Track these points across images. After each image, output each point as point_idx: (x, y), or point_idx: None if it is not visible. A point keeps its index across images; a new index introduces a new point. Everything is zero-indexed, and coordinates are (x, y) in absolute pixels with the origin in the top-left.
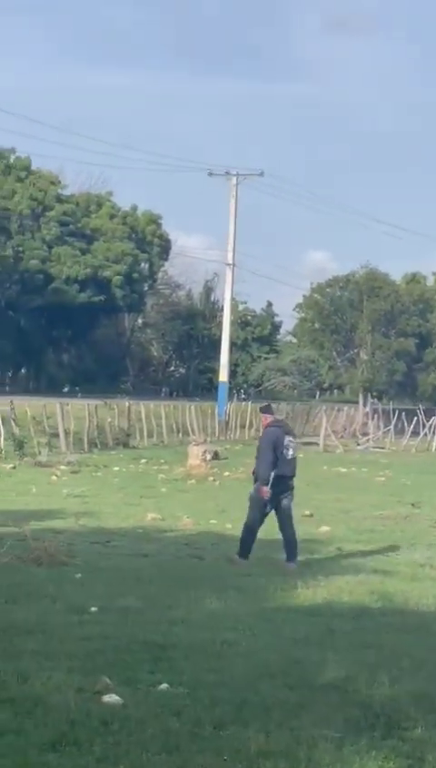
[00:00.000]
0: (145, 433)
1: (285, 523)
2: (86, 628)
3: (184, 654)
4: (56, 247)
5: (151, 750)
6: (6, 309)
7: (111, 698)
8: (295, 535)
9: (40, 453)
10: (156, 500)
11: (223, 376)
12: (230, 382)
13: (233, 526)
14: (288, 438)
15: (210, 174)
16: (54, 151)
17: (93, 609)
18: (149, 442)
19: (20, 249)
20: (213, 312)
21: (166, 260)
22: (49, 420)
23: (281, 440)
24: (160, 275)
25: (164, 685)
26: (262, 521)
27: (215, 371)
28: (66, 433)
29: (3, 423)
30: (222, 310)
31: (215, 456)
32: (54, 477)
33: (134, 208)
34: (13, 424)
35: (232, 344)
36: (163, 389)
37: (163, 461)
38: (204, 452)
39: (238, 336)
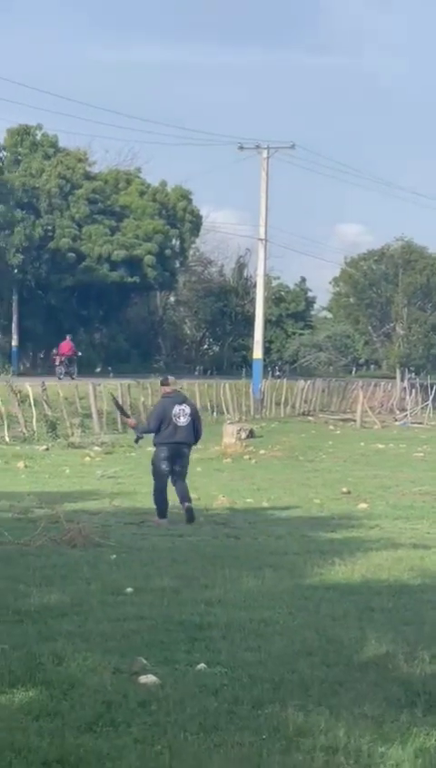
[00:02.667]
0: None
1: (179, 483)
2: (122, 609)
3: (221, 633)
4: (86, 225)
5: (189, 730)
6: (36, 288)
7: (148, 679)
8: (186, 485)
9: (73, 434)
10: (191, 479)
11: (258, 353)
12: (264, 359)
13: (270, 505)
14: (179, 408)
15: (240, 148)
16: (82, 127)
17: (128, 590)
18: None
19: (49, 228)
20: (246, 289)
21: (198, 236)
22: (81, 401)
23: (168, 411)
24: (191, 252)
25: (202, 665)
26: (164, 480)
27: (249, 348)
28: (99, 414)
29: (35, 405)
30: (256, 286)
31: (250, 434)
32: (87, 458)
33: (164, 184)
34: (45, 405)
35: (266, 320)
36: (197, 368)
37: None
38: (239, 430)
39: (272, 312)
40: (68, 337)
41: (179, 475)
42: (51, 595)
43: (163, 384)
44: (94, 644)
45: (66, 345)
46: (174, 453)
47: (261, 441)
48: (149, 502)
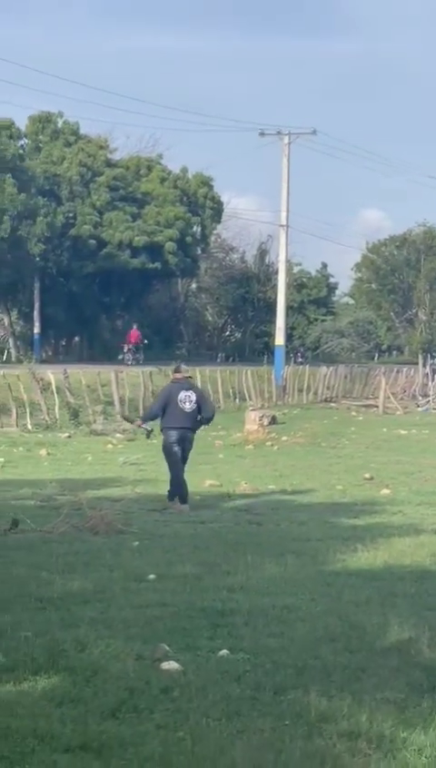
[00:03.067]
0: None
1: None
2: (144, 596)
3: (244, 619)
4: (107, 212)
5: (211, 716)
6: (58, 275)
7: (170, 665)
8: (182, 478)
9: (95, 421)
10: (213, 466)
11: (280, 339)
12: (286, 346)
13: (293, 491)
14: (185, 393)
15: (261, 134)
16: (103, 114)
17: (151, 577)
18: None
19: (71, 215)
20: (268, 275)
21: (219, 222)
22: (104, 388)
23: (174, 395)
24: (213, 238)
25: (224, 651)
26: (180, 465)
27: (271, 335)
28: (121, 401)
29: (57, 392)
30: (277, 272)
31: (273, 420)
32: (109, 446)
33: (185, 170)
34: (67, 393)
35: (288, 307)
36: (219, 354)
37: (219, 427)
38: (262, 417)
39: (294, 298)
40: (135, 325)
41: (182, 461)
42: (73, 582)
43: (175, 371)
44: (117, 631)
45: (134, 333)
46: (181, 437)
47: (283, 428)
48: None
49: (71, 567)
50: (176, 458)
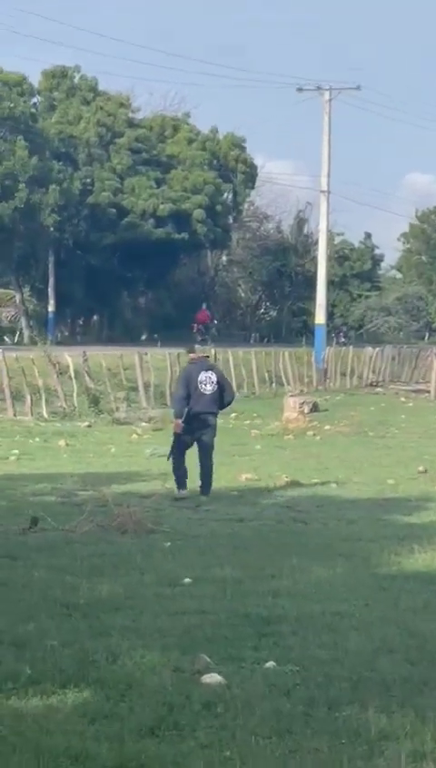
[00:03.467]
0: (235, 384)
1: (203, 456)
2: (180, 602)
3: (291, 628)
4: (129, 178)
5: (260, 734)
6: (75, 248)
7: (212, 678)
8: (212, 467)
9: (118, 409)
10: (250, 458)
11: (320, 317)
12: (327, 325)
13: (339, 486)
14: (205, 375)
15: (299, 90)
16: (124, 69)
17: (186, 581)
18: (239, 394)
19: (88, 181)
20: (307, 246)
21: (252, 188)
22: (126, 372)
23: (194, 377)
24: (246, 206)
25: (271, 663)
26: (184, 451)
27: (310, 313)
28: (146, 386)
29: (76, 377)
30: (317, 243)
31: (314, 408)
32: (134, 436)
33: (215, 131)
34: (87, 377)
35: (329, 282)
36: (253, 335)
37: (255, 415)
38: (302, 404)
39: (335, 272)
40: (203, 305)
41: (205, 446)
42: (101, 586)
43: (188, 353)
44: (152, 641)
45: (203, 314)
46: (199, 423)
47: (325, 415)
48: None
49: (98, 570)
50: (183, 444)
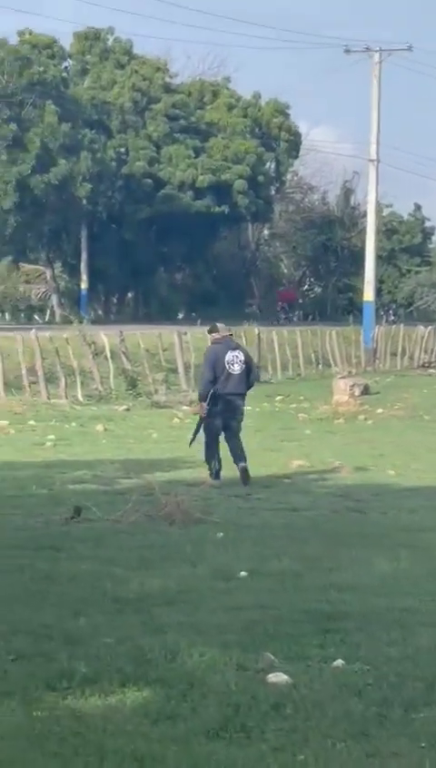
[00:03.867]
0: (279, 365)
1: (232, 438)
2: (237, 596)
3: (358, 624)
4: (166, 146)
5: (334, 736)
6: (109, 221)
7: (278, 677)
8: (241, 443)
9: (157, 392)
10: (300, 444)
11: (369, 294)
12: (375, 302)
13: (397, 473)
14: (233, 354)
15: (347, 52)
16: (160, 30)
17: (242, 574)
18: (284, 375)
19: (123, 150)
20: (354, 219)
21: (296, 158)
22: (165, 353)
23: (221, 357)
24: (289, 176)
25: (339, 661)
26: (216, 439)
27: (357, 289)
28: (186, 367)
29: (112, 358)
30: (365, 215)
31: (365, 390)
32: (175, 420)
33: (257, 96)
34: (124, 358)
35: (377, 256)
36: (296, 312)
37: (302, 398)
38: (353, 386)
39: (383, 246)
40: (285, 283)
41: (233, 430)
42: (152, 579)
43: (210, 332)
44: (210, 638)
45: (289, 292)
46: (227, 406)
47: (377, 398)
48: (253, 470)
49: (147, 563)
50: (214, 429)
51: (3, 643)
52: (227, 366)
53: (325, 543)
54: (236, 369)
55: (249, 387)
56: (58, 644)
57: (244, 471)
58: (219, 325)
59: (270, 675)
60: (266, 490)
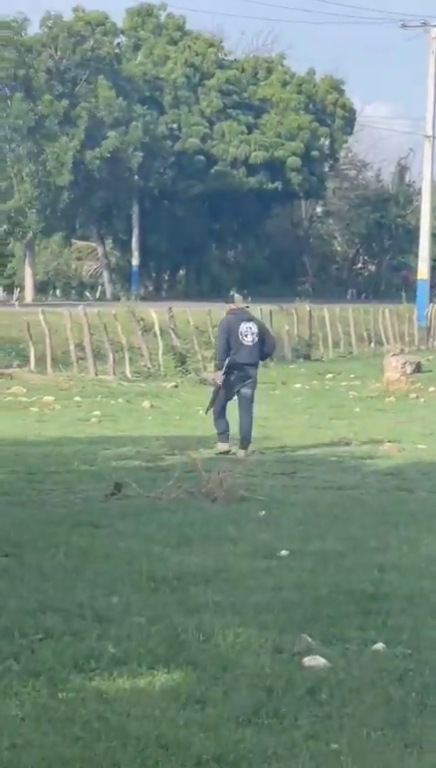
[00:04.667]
0: (330, 343)
1: (243, 409)
2: (277, 576)
3: (401, 606)
4: (219, 122)
5: (371, 725)
6: (161, 198)
7: (315, 661)
8: (252, 422)
9: (205, 368)
10: (349, 422)
11: (423, 272)
12: (430, 280)
13: None
14: (246, 325)
15: (403, 26)
16: (213, 5)
17: (283, 553)
18: (335, 353)
19: (175, 126)
20: (409, 196)
21: (350, 134)
22: (214, 330)
23: (234, 328)
24: (343, 153)
25: (380, 645)
26: (225, 407)
27: (411, 267)
28: None
29: (161, 334)
30: (420, 192)
31: (417, 368)
32: None
33: (312, 72)
34: (173, 335)
35: (433, 234)
36: (350, 290)
37: (352, 375)
38: (405, 364)
39: None
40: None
41: (246, 399)
42: (191, 557)
43: (227, 302)
44: (247, 618)
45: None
46: (240, 374)
47: (429, 377)
48: (300, 448)
49: (187, 540)
50: (222, 400)
51: (33, 621)
52: (240, 336)
53: (370, 522)
54: (248, 340)
55: (264, 357)
56: (89, 622)
57: (243, 450)
58: (236, 296)
59: (306, 659)
60: (312, 468)
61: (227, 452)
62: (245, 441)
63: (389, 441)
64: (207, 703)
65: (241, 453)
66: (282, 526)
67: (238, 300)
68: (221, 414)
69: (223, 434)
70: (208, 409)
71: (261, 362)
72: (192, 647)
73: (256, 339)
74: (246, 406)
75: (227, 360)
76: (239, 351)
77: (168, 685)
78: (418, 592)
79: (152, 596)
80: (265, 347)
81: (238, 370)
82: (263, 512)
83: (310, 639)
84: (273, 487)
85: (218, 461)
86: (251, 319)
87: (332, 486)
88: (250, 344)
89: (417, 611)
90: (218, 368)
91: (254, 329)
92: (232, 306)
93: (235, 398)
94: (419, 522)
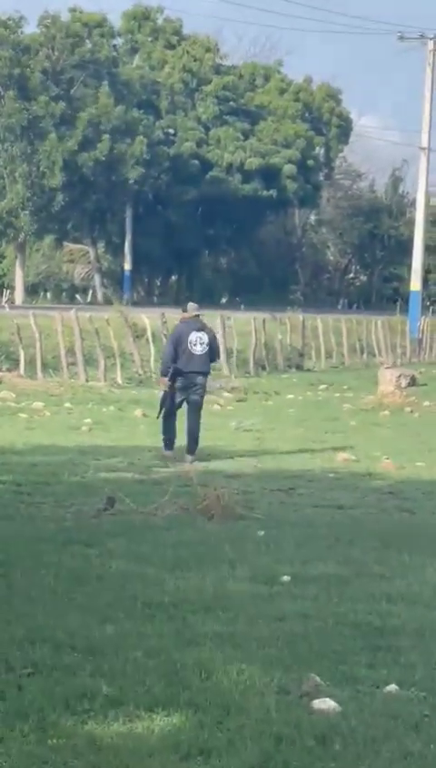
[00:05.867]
0: (323, 353)
1: (191, 415)
2: (279, 604)
3: (412, 641)
4: (214, 128)
5: None
6: (155, 203)
7: (325, 704)
8: (199, 428)
9: None
10: (345, 436)
11: (416, 284)
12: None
13: None
14: (196, 335)
15: (401, 38)
16: (211, 10)
17: (284, 578)
18: (327, 364)
19: (171, 130)
20: (402, 208)
21: (346, 143)
22: None
23: (183, 337)
24: (338, 162)
25: (393, 686)
26: (173, 413)
27: (403, 279)
28: (229, 353)
29: (153, 340)
30: (413, 204)
31: (412, 381)
32: (216, 406)
33: (309, 81)
34: (165, 341)
35: (425, 246)
36: (341, 300)
37: (345, 387)
38: (399, 377)
39: (430, 236)
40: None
41: (194, 405)
42: (188, 581)
43: (183, 311)
44: (250, 653)
45: None
46: (188, 382)
47: (424, 391)
48: (298, 463)
49: (183, 563)
50: (172, 405)
51: (19, 653)
52: (190, 345)
53: (373, 546)
54: (198, 349)
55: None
56: (80, 655)
57: (189, 455)
58: (190, 305)
59: (315, 701)
60: (310, 485)
61: (172, 458)
62: (192, 446)
63: (386, 458)
64: (211, 752)
65: (187, 458)
66: (281, 548)
67: (191, 309)
68: (171, 422)
69: (170, 442)
70: (159, 414)
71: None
72: (192, 686)
73: (206, 348)
74: (194, 412)
75: (172, 368)
76: (190, 360)
77: (167, 731)
78: (428, 625)
79: (147, 625)
80: (212, 355)
81: (186, 378)
82: (262, 532)
83: (318, 679)
84: (271, 505)
85: (214, 475)
86: (202, 328)
87: (332, 504)
88: (199, 353)
89: (429, 647)
90: (162, 373)
91: (205, 338)
92: (185, 315)
93: (185, 405)
94: (423, 547)
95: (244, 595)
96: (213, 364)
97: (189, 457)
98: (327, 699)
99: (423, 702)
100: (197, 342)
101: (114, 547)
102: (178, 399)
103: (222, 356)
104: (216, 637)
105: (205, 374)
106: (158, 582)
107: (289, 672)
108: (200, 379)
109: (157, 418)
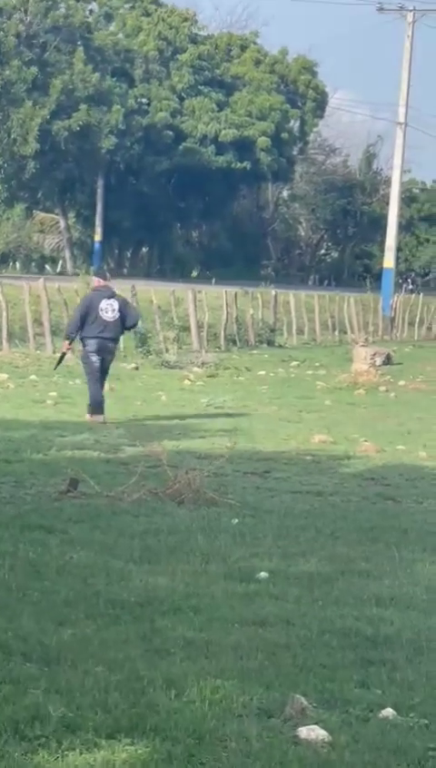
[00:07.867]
0: (294, 329)
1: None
2: (257, 605)
3: (405, 653)
4: (189, 98)
5: None
6: (126, 173)
7: (313, 733)
8: (101, 390)
9: (167, 351)
10: (321, 416)
11: (389, 261)
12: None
13: (429, 455)
14: (107, 302)
15: (380, 10)
16: None
17: (262, 575)
18: (299, 340)
19: (144, 100)
20: (375, 184)
21: (321, 117)
22: (178, 310)
23: (94, 304)
24: (312, 137)
25: (389, 711)
26: (99, 378)
27: (374, 256)
28: (199, 327)
29: None
30: (386, 181)
31: (387, 360)
32: (186, 382)
33: (284, 52)
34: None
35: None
36: (312, 276)
37: (318, 364)
38: (374, 355)
39: (401, 214)
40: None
41: (104, 368)
42: (156, 577)
43: (96, 275)
44: (225, 666)
45: None
46: (100, 347)
47: (399, 369)
48: (272, 444)
49: (152, 554)
50: (95, 368)
51: None
52: (100, 312)
53: (357, 538)
54: (109, 315)
55: (127, 329)
56: (34, 666)
57: (88, 417)
58: (106, 274)
59: (302, 729)
60: (286, 468)
61: (104, 423)
62: (92, 407)
63: (365, 440)
64: None
65: (86, 417)
66: (258, 540)
67: (106, 278)
68: (97, 388)
69: (100, 406)
70: (55, 367)
71: (128, 332)
72: (160, 708)
73: (117, 315)
74: (104, 372)
75: (79, 334)
76: (99, 326)
77: (132, 762)
78: (424, 635)
79: (111, 629)
80: (128, 321)
81: (96, 343)
82: (236, 520)
83: (304, 701)
84: (246, 489)
85: (185, 456)
86: (112, 295)
87: (310, 490)
88: (111, 319)
89: (426, 662)
90: (66, 337)
91: (115, 305)
92: (97, 283)
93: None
94: (411, 542)
95: (218, 593)
96: (136, 329)
97: (88, 417)
98: (315, 727)
99: (425, 732)
100: (108, 309)
101: (77, 534)
102: (97, 364)
103: (193, 329)
104: (188, 645)
105: (116, 340)
106: (124, 577)
107: (270, 689)
108: (111, 345)
109: (54, 369)
